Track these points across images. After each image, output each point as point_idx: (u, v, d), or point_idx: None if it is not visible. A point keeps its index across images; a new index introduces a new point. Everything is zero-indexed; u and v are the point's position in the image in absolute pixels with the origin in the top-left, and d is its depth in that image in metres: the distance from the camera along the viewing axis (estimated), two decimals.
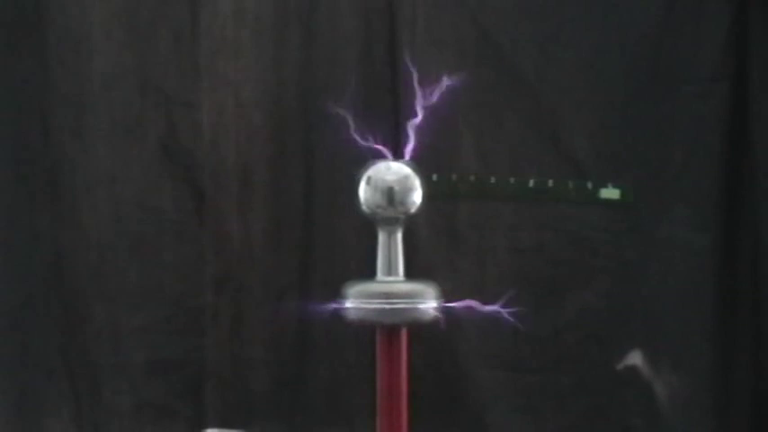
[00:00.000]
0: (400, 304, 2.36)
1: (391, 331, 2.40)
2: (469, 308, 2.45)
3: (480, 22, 3.21)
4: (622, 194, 3.18)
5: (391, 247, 2.42)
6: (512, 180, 3.21)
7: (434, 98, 2.64)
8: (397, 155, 2.50)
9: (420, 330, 2.45)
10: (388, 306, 2.36)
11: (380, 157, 2.48)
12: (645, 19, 3.16)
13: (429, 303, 2.38)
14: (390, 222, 2.42)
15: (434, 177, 3.12)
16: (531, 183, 3.21)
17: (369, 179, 2.42)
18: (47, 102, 3.30)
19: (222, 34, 3.28)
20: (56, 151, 3.31)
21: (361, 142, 2.54)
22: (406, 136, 2.53)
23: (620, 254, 3.18)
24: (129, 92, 3.30)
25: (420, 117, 2.55)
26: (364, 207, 2.42)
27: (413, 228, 2.61)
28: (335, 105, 3.13)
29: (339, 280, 2.44)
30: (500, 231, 3.22)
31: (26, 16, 3.30)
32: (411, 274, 2.44)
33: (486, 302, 2.51)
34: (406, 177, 2.42)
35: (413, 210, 2.42)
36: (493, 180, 3.22)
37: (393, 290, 2.39)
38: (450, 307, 2.40)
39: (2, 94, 3.32)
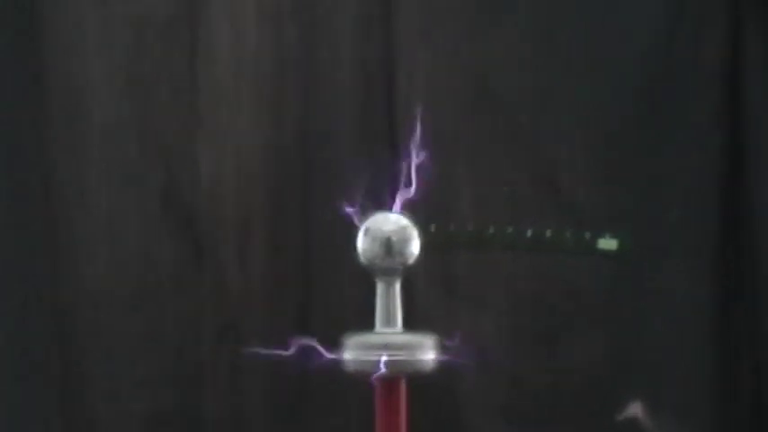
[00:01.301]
0: (399, 356, 2.36)
1: (390, 383, 2.39)
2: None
3: (478, 73, 3.23)
4: (620, 245, 3.18)
5: (389, 298, 2.41)
6: (509, 230, 3.21)
7: (433, 148, 2.64)
8: (395, 205, 2.50)
9: (418, 381, 2.45)
10: (386, 357, 2.35)
11: (379, 207, 2.48)
12: (641, 69, 3.18)
13: (428, 354, 2.38)
14: (388, 273, 2.41)
15: (432, 228, 3.12)
16: (529, 233, 3.21)
17: (367, 230, 2.42)
18: (47, 153, 3.31)
19: (221, 85, 3.29)
20: (54, 202, 3.31)
21: (360, 192, 2.54)
22: (405, 186, 2.53)
23: (618, 304, 3.18)
24: (127, 142, 3.30)
25: (418, 167, 2.55)
26: (362, 258, 2.42)
27: (411, 278, 2.60)
28: (334, 155, 3.16)
29: (338, 329, 2.44)
30: (498, 281, 3.22)
31: (27, 68, 3.31)
32: (409, 324, 2.43)
33: (483, 354, 2.50)
34: (404, 228, 2.42)
35: (411, 260, 2.42)
36: (491, 230, 3.22)
37: (392, 341, 2.38)
38: (449, 358, 2.39)
39: (1, 146, 3.32)
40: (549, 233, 3.20)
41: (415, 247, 2.42)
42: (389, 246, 2.40)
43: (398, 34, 3.29)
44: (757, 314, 3.16)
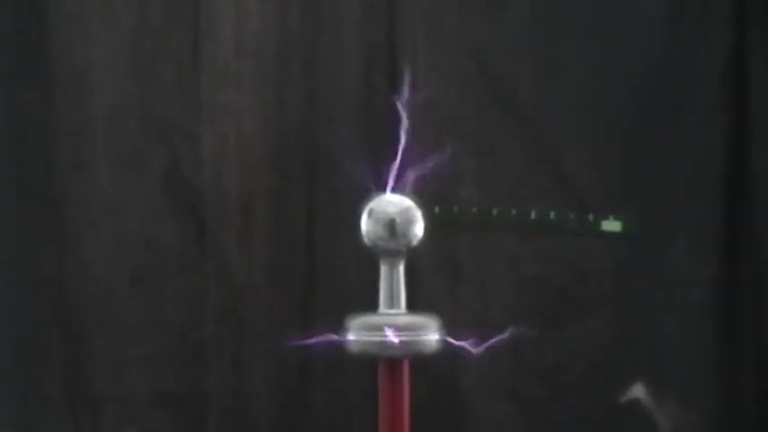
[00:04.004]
0: (402, 337, 2.36)
1: (393, 364, 2.39)
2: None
3: (481, 55, 3.23)
4: (624, 227, 3.18)
5: (393, 280, 2.41)
6: (513, 212, 3.22)
7: (436, 130, 2.64)
8: (399, 187, 2.50)
9: (422, 362, 2.45)
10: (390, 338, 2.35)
11: (382, 189, 2.48)
12: (645, 50, 3.17)
13: (431, 336, 2.38)
14: (392, 254, 2.41)
15: (436, 209, 3.12)
16: (533, 214, 3.21)
17: (370, 211, 2.41)
18: (49, 133, 3.31)
19: (224, 66, 3.29)
20: (58, 183, 3.31)
21: (363, 174, 2.54)
22: (408, 168, 2.53)
23: (622, 285, 3.18)
24: (131, 123, 3.30)
25: (421, 149, 2.55)
26: (366, 239, 2.42)
27: (415, 260, 2.60)
28: (337, 136, 3.15)
29: (341, 311, 2.44)
30: (502, 263, 3.22)
31: (30, 48, 3.31)
32: (413, 306, 2.43)
33: (488, 335, 2.50)
34: (408, 209, 2.42)
35: (415, 242, 2.41)
36: (495, 212, 3.22)
37: (395, 322, 2.38)
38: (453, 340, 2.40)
39: (5, 127, 3.32)
40: (553, 215, 3.20)
41: (418, 228, 2.41)
42: (393, 227, 2.40)
43: (402, 17, 3.28)
44: (762, 295, 3.16)
